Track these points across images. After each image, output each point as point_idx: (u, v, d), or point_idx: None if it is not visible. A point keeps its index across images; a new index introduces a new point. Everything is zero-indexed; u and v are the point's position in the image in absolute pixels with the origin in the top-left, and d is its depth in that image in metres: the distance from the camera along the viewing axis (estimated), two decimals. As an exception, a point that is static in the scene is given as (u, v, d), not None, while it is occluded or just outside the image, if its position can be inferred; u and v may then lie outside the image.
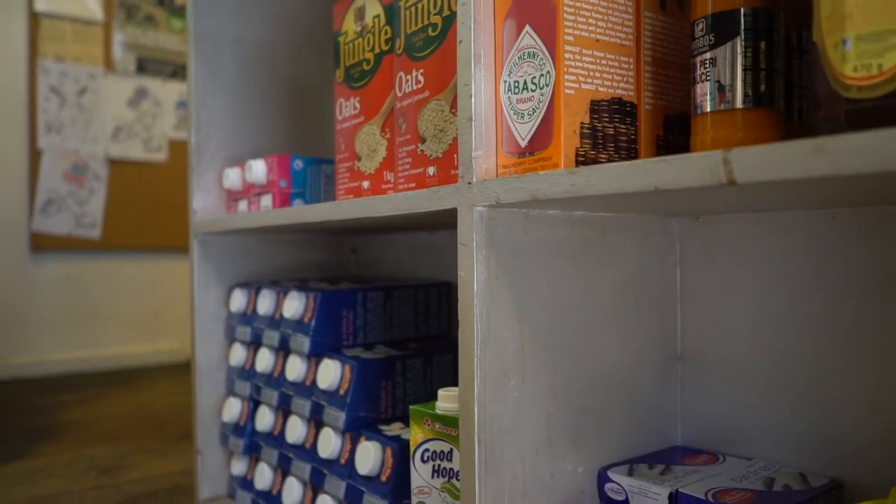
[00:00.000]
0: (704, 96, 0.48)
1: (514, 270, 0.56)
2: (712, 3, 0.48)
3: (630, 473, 0.61)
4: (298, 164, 0.93)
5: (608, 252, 0.64)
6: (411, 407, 0.64)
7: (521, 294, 0.57)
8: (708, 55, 0.48)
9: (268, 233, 1.06)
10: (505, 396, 0.56)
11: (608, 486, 0.62)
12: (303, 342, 0.85)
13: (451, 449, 0.61)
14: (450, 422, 0.61)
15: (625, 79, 0.53)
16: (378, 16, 0.71)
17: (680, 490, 0.56)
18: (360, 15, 0.73)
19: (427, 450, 0.63)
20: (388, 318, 0.91)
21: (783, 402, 0.63)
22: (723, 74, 0.47)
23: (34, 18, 2.58)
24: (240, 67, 1.05)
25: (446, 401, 0.62)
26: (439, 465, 0.62)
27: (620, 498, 0.61)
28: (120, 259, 2.77)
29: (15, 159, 2.56)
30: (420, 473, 0.63)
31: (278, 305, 0.92)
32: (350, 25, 0.75)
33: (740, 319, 0.67)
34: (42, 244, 2.61)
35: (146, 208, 2.79)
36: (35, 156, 2.58)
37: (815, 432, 0.61)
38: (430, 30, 0.62)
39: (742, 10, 0.47)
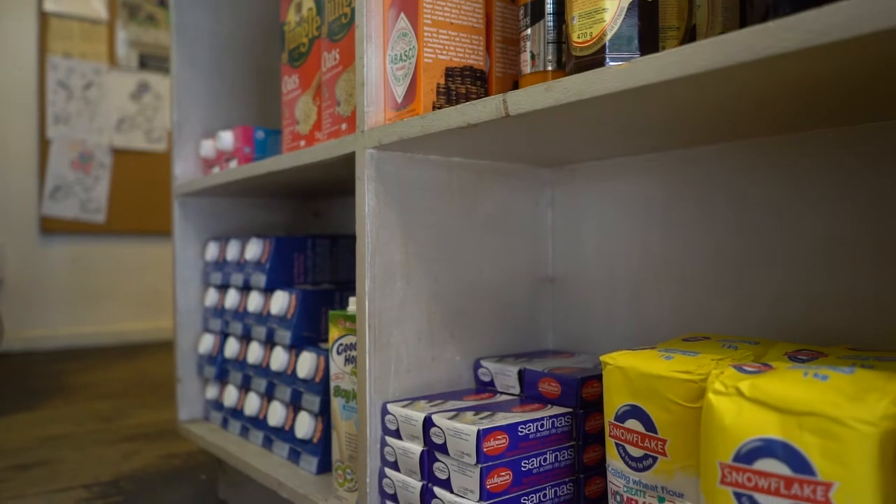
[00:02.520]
0: (525, 62, 0.66)
1: (399, 200, 0.74)
2: (530, -6, 0.65)
3: (498, 362, 0.78)
4: (260, 135, 1.11)
5: (482, 192, 0.81)
6: (330, 312, 0.82)
7: (406, 218, 0.74)
8: (527, 32, 0.66)
9: (238, 195, 1.24)
10: (392, 295, 0.73)
11: (480, 370, 0.79)
12: (260, 279, 1.03)
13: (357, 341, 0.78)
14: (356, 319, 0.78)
15: (476, 52, 0.70)
16: (311, 8, 0.89)
17: (525, 368, 0.74)
18: (299, 8, 0.91)
19: (341, 344, 0.80)
20: (334, 261, 1.09)
21: (624, 312, 0.81)
22: (535, 46, 0.65)
23: (44, 18, 2.78)
24: (214, 55, 1.23)
25: (354, 304, 0.80)
26: (349, 355, 0.79)
27: (487, 379, 0.78)
28: (123, 242, 2.97)
29: (26, 148, 2.76)
30: (336, 363, 0.81)
31: (242, 251, 1.10)
32: (292, 16, 0.93)
33: (596, 248, 0.84)
34: (51, 227, 2.81)
35: (147, 195, 2.99)
36: (44, 145, 2.78)
37: (644, 333, 0.79)
38: (342, 18, 0.80)
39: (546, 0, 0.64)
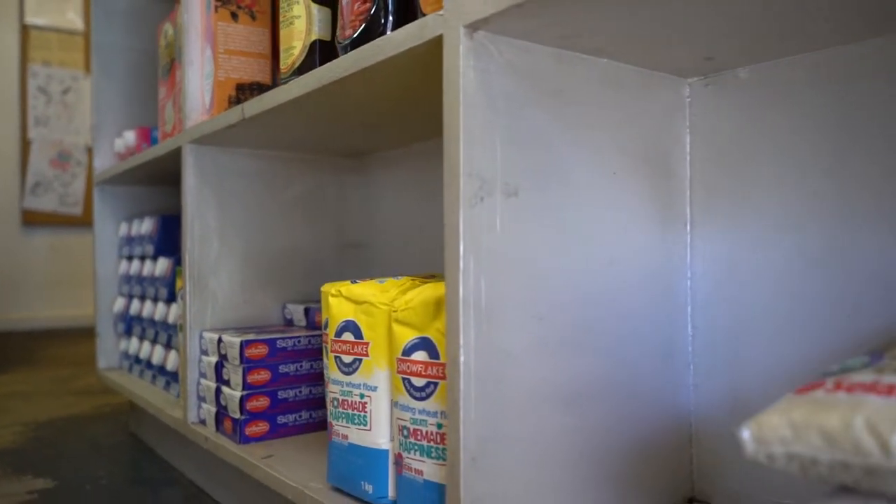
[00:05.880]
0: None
1: (216, 182, 0.99)
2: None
3: (297, 304, 1.03)
4: (156, 134, 1.36)
5: (289, 177, 1.06)
6: (177, 267, 1.07)
7: (221, 195, 1.00)
8: (290, 58, 0.90)
9: (146, 184, 1.49)
10: (209, 251, 0.99)
11: (285, 311, 1.04)
12: (150, 250, 1.29)
13: (192, 288, 1.04)
14: (191, 273, 1.03)
15: (262, 71, 0.95)
16: (171, 35, 1.14)
17: (309, 307, 0.99)
18: (165, 34, 1.16)
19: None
20: (213, 236, 1.34)
21: (395, 267, 1.05)
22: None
23: (24, 29, 3.06)
24: (128, 68, 1.49)
25: (191, 261, 1.05)
26: (187, 299, 1.05)
27: (290, 317, 1.03)
28: (98, 233, 3.25)
29: (8, 148, 3.05)
30: (180, 306, 1.06)
31: (142, 229, 1.35)
32: (162, 40, 1.19)
33: (384, 220, 1.09)
34: (32, 220, 3.09)
35: (121, 190, 3.27)
36: (26, 145, 3.06)
37: (409, 280, 1.03)
38: (181, 45, 1.05)
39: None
